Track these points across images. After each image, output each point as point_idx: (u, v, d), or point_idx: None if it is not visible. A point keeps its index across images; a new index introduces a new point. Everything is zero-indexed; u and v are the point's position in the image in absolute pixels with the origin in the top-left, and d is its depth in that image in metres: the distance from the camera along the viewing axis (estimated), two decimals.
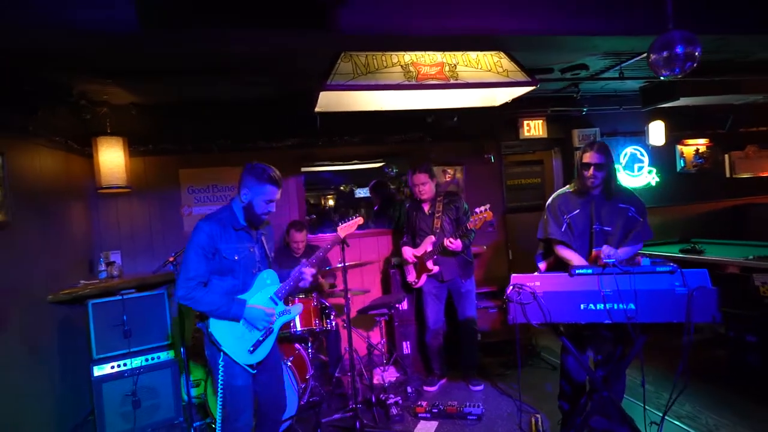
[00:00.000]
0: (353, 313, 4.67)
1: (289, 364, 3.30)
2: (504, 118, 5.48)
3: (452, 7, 2.29)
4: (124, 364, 3.56)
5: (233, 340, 2.42)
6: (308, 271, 2.63)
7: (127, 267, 4.47)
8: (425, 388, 4.08)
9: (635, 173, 5.82)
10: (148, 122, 4.56)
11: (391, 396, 3.66)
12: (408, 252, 4.07)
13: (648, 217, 2.90)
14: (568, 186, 3.02)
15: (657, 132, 5.71)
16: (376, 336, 4.86)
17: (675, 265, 2.34)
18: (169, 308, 3.83)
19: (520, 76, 2.90)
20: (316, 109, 3.06)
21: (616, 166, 5.68)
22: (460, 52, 2.86)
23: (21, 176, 3.26)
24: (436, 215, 3.99)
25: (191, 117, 4.64)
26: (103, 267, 4.13)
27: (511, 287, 2.53)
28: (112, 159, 4.22)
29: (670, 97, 5.04)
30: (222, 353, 2.43)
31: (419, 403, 3.62)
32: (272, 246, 2.74)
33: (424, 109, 3.56)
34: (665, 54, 2.22)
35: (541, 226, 3.01)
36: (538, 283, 2.52)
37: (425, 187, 3.97)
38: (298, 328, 3.47)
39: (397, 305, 4.19)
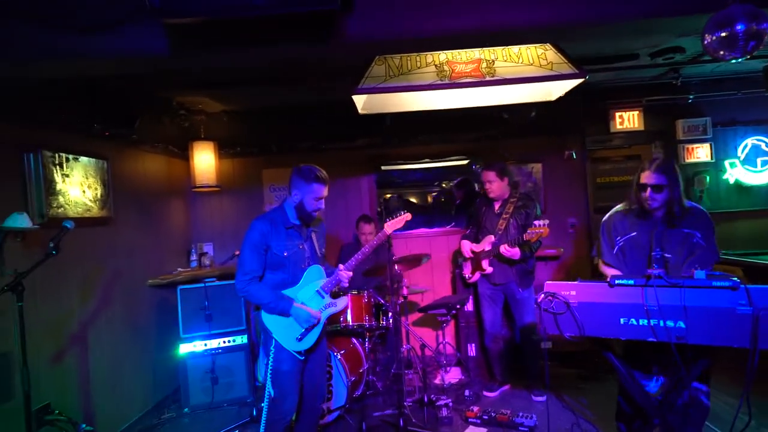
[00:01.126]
0: (414, 313, 4.73)
1: (339, 357, 3.44)
2: (591, 110, 5.05)
3: (461, 6, 2.19)
4: (205, 345, 4.02)
5: (283, 328, 2.63)
6: (344, 275, 2.74)
7: (219, 258, 5.01)
8: (484, 393, 3.96)
9: (758, 168, 4.97)
10: (238, 128, 5.04)
11: (443, 397, 3.62)
12: (466, 246, 3.98)
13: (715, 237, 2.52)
14: (622, 204, 2.73)
15: None
16: (446, 335, 4.84)
17: (737, 281, 2.00)
18: None
19: (566, 68, 2.67)
20: (361, 111, 3.13)
21: (733, 160, 4.98)
22: (501, 47, 2.72)
23: (123, 178, 3.84)
24: (504, 216, 3.84)
25: (274, 122, 5.01)
26: (194, 257, 4.68)
27: (542, 295, 2.37)
28: (204, 161, 4.75)
29: None
30: (273, 339, 2.64)
31: (471, 407, 3.54)
32: (323, 242, 2.90)
33: (498, 104, 3.42)
34: (722, 34, 1.88)
35: (596, 244, 2.79)
36: (573, 293, 2.32)
37: (493, 185, 3.84)
38: (350, 322, 3.61)
39: (458, 306, 4.13)
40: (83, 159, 3.27)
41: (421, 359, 4.17)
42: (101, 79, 3.28)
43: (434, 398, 3.63)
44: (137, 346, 3.90)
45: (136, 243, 4.00)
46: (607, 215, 2.80)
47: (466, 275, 4.06)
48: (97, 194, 3.38)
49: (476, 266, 3.95)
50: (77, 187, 3.19)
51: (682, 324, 2.09)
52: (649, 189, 2.52)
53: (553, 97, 3.12)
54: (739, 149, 5.00)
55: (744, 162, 4.99)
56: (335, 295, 2.81)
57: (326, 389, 2.89)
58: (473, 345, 4.45)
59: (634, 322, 2.18)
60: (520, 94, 3.10)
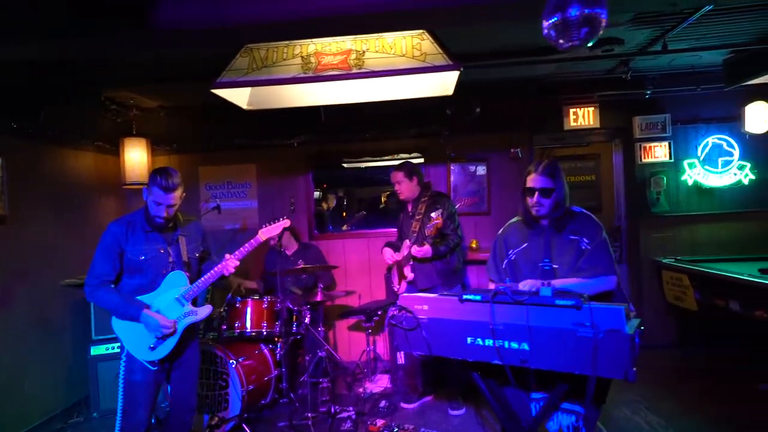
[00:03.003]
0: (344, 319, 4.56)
1: (236, 365, 3.28)
2: (544, 106, 4.78)
3: None
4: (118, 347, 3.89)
5: (134, 336, 2.49)
6: (231, 263, 2.63)
7: None
8: (402, 404, 3.76)
9: (719, 169, 4.63)
10: (175, 124, 4.91)
11: (349, 408, 3.44)
12: (387, 254, 3.77)
13: (609, 244, 2.29)
14: (517, 215, 2.51)
15: (757, 116, 4.47)
16: (381, 343, 4.65)
17: (580, 300, 1.76)
18: None
19: (441, 60, 2.44)
20: (246, 107, 2.96)
21: (692, 160, 4.67)
22: (375, 36, 2.51)
23: (30, 174, 3.73)
24: (416, 217, 3.64)
25: (212, 119, 4.85)
26: None
27: (395, 309, 2.17)
28: (135, 157, 4.63)
29: (758, 70, 3.90)
30: (124, 349, 2.52)
31: (376, 421, 3.35)
32: (196, 247, 2.73)
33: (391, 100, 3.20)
34: (556, 19, 1.63)
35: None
36: (426, 307, 2.11)
37: (402, 186, 3.67)
38: (248, 328, 3.45)
39: (380, 312, 3.92)
40: None
41: (334, 368, 3.99)
42: None
43: (338, 409, 3.45)
44: (46, 348, 3.80)
45: (49, 242, 3.89)
46: (503, 228, 2.59)
47: (395, 287, 3.85)
48: None
49: (400, 275, 3.75)
50: None
51: (526, 346, 1.86)
52: (536, 193, 2.31)
53: (450, 91, 2.90)
54: (699, 149, 4.67)
55: (704, 162, 4.66)
56: (199, 302, 2.65)
57: (196, 400, 2.74)
58: (402, 353, 4.24)
59: (480, 342, 1.96)
60: (417, 89, 2.90)
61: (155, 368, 2.52)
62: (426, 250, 3.41)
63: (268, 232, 2.86)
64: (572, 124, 4.81)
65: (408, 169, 3.63)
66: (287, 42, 2.50)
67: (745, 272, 3.49)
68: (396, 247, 3.76)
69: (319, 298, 3.69)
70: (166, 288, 2.55)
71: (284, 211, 4.81)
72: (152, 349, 2.48)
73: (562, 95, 4.76)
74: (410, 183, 3.62)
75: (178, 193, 2.55)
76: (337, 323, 4.79)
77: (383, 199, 6.12)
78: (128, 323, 2.49)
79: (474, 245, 4.62)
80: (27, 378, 3.59)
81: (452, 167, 4.75)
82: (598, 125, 4.79)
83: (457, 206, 4.64)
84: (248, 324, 3.45)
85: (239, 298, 3.55)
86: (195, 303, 2.66)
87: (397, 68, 2.36)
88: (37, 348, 3.70)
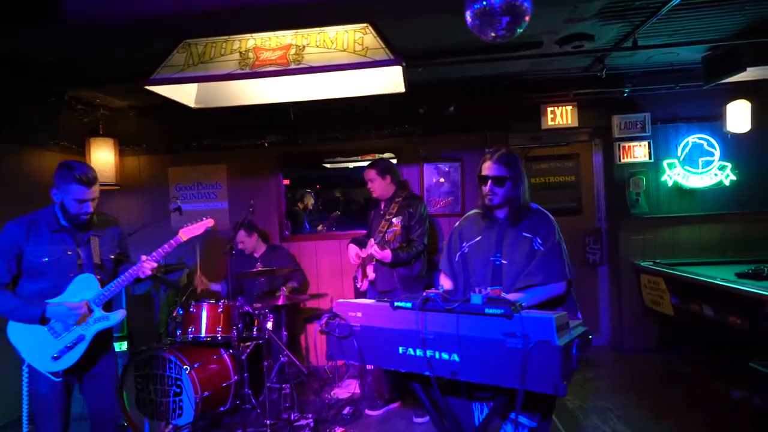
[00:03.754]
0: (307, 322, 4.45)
1: (189, 371, 3.18)
2: (520, 104, 4.67)
3: None
4: None
5: (34, 346, 2.33)
6: (147, 265, 2.48)
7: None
8: (366, 411, 3.66)
9: (699, 170, 4.51)
10: (143, 124, 4.82)
11: (308, 416, 3.34)
12: (352, 251, 3.68)
13: (563, 246, 2.20)
14: (477, 207, 2.42)
15: (739, 115, 4.34)
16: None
17: (510, 309, 1.65)
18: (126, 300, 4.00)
19: (382, 55, 2.33)
20: (194, 106, 2.86)
21: (672, 160, 4.55)
22: (317, 31, 2.40)
23: None
24: (386, 217, 3.54)
25: (181, 119, 4.74)
26: None
27: (329, 315, 2.06)
28: (103, 158, 4.55)
29: (733, 68, 3.78)
30: (25, 360, 2.36)
31: (334, 428, 3.25)
32: (109, 249, 2.58)
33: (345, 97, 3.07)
34: (478, 8, 1.53)
35: None
36: (359, 314, 2.01)
37: (374, 184, 3.58)
38: (202, 333, 3.35)
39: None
40: None
41: (298, 373, 3.89)
42: None
43: (297, 416, 3.35)
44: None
45: None
46: (460, 220, 2.50)
47: (358, 284, 3.77)
48: None
49: (363, 273, 3.66)
50: None
51: (456, 357, 1.75)
52: (489, 181, 2.21)
53: (402, 89, 2.79)
54: (679, 148, 4.55)
55: (684, 162, 4.54)
56: (111, 307, 2.51)
57: (116, 410, 2.61)
58: None
59: (412, 353, 1.85)
60: (364, 86, 2.80)
61: (59, 380, 2.36)
62: (385, 254, 3.33)
63: (188, 232, 2.67)
64: (550, 123, 4.70)
65: (381, 167, 3.55)
66: (226, 37, 2.40)
67: (722, 276, 3.37)
68: (362, 244, 3.67)
69: (280, 301, 3.59)
70: (74, 292, 2.37)
71: (257, 211, 4.70)
72: (56, 359, 2.31)
73: (539, 94, 4.65)
74: (383, 181, 3.54)
75: (98, 184, 2.42)
76: (309, 327, 4.69)
77: (361, 200, 6.01)
78: (27, 330, 2.32)
79: None
80: None
81: (426, 167, 4.65)
82: (576, 124, 4.68)
83: (431, 208, 4.56)
84: (203, 329, 3.35)
85: (193, 301, 3.44)
86: (109, 308, 2.51)
87: (336, 63, 2.26)
88: None
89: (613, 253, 4.79)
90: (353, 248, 3.70)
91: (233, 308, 3.40)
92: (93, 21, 1.92)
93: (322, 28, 2.33)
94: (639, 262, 4.44)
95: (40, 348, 2.33)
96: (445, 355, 1.77)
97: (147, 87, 2.34)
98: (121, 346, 3.92)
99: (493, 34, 1.62)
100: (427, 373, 1.82)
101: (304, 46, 2.30)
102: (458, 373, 1.75)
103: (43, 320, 2.31)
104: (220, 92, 2.76)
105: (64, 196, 2.33)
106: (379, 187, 3.58)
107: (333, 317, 2.04)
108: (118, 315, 2.46)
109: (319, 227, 5.60)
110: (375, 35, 2.31)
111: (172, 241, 2.62)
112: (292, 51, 2.29)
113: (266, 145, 4.72)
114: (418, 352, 1.83)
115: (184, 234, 2.65)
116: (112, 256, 2.58)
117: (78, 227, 2.42)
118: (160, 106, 4.71)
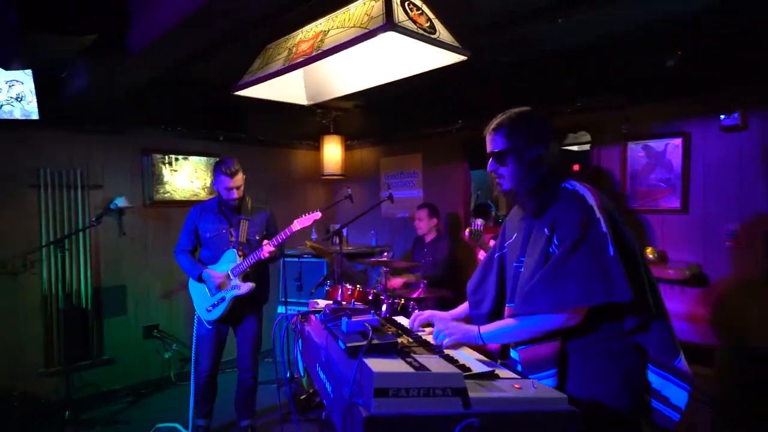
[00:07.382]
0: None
1: None
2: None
3: None
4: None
5: (198, 298, 3.14)
6: (266, 249, 2.95)
7: (353, 238, 5.63)
8: None
9: None
10: (366, 120, 5.46)
11: None
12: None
13: (585, 250, 1.47)
14: None
15: None
16: None
17: (363, 344, 1.19)
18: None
19: (380, 22, 1.85)
20: (306, 103, 3.04)
21: None
22: (342, 11, 2.14)
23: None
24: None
25: (391, 112, 5.11)
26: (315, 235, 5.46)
27: (299, 313, 1.96)
28: (332, 152, 5.43)
29: None
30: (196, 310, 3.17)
31: None
32: (256, 231, 3.15)
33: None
34: None
35: None
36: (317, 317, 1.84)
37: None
38: None
39: None
40: (192, 158, 4.53)
41: None
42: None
43: None
44: None
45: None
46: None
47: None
48: (205, 183, 4.61)
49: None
50: (186, 178, 4.48)
51: (329, 387, 1.41)
52: (490, 160, 1.69)
53: (459, 57, 2.17)
54: None
55: None
56: (245, 279, 3.03)
57: (251, 364, 3.16)
58: None
59: (320, 374, 1.58)
60: (407, 68, 2.37)
61: (211, 327, 3.07)
62: None
63: (301, 223, 3.00)
64: None
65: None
66: (286, 37, 2.52)
67: None
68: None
69: (416, 294, 3.50)
70: (223, 262, 3.06)
71: (445, 201, 4.64)
72: (208, 311, 3.04)
73: None
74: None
75: (240, 175, 2.99)
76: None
77: None
78: (197, 286, 3.11)
79: (652, 255, 3.27)
80: None
81: (630, 148, 3.49)
82: None
83: (636, 201, 3.45)
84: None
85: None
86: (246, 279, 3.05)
87: (339, 43, 2.03)
88: None
89: None
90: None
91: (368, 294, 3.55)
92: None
93: (347, 7, 2.15)
94: None
95: (201, 301, 3.13)
96: (328, 385, 1.46)
97: (234, 93, 2.74)
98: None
99: None
100: (325, 401, 1.54)
101: (328, 30, 2.18)
102: (328, 408, 1.42)
103: (201, 279, 3.11)
104: (321, 86, 2.90)
105: (217, 186, 3.04)
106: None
107: (304, 317, 1.94)
108: (246, 286, 3.01)
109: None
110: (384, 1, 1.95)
111: (287, 230, 3.04)
112: (320, 38, 2.21)
113: (454, 131, 4.56)
114: (321, 374, 1.57)
115: (298, 224, 3.03)
116: (257, 237, 3.17)
117: (232, 210, 3.11)
118: (379, 103, 5.26)
